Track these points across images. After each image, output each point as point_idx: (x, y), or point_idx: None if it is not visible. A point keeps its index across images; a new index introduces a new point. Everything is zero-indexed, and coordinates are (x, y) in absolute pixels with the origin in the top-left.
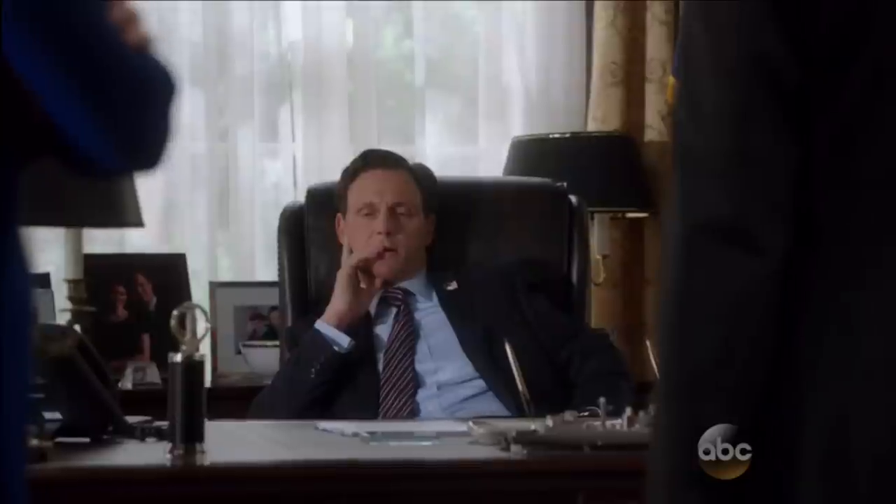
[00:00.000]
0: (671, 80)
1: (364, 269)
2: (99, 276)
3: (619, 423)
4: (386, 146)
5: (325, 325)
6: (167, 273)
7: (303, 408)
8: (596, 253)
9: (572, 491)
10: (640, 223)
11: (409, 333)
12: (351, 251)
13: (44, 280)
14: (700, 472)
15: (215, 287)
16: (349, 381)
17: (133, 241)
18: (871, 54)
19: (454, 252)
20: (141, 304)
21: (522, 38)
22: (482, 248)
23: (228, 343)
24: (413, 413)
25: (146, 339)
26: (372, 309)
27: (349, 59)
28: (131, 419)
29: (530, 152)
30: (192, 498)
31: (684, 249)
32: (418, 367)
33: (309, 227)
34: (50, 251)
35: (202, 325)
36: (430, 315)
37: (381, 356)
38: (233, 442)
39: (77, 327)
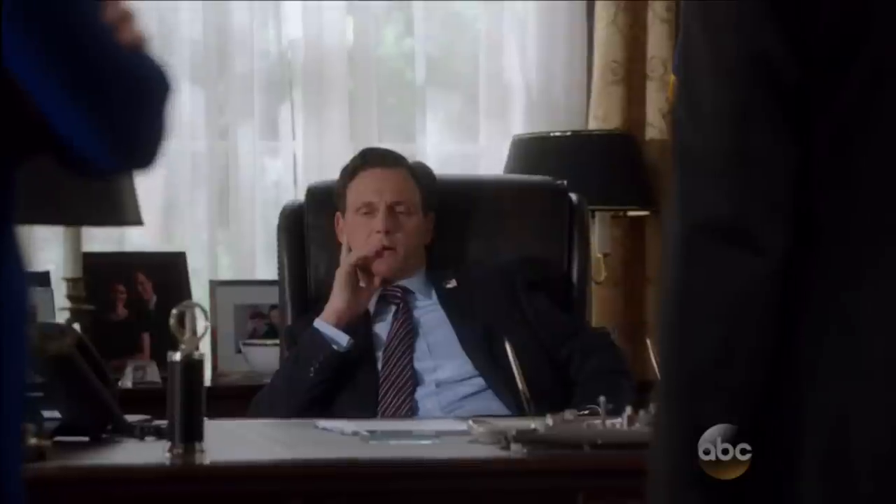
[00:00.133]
0: (672, 77)
1: (363, 267)
2: (98, 274)
3: (620, 422)
4: (386, 144)
5: (323, 324)
6: (167, 271)
7: (302, 406)
8: (597, 251)
9: (572, 490)
10: (640, 221)
11: (409, 331)
12: (350, 250)
13: (43, 278)
14: (700, 472)
15: (215, 285)
16: (348, 379)
17: (133, 239)
18: (870, 54)
19: (454, 250)
20: (141, 302)
21: (523, 36)
22: (482, 246)
23: (228, 342)
24: (412, 411)
25: (146, 337)
26: (371, 307)
27: (349, 57)
28: (131, 418)
29: (531, 150)
30: (191, 497)
31: (684, 249)
32: (417, 364)
33: (309, 225)
34: (49, 249)
35: (202, 324)
36: (430, 313)
37: (380, 354)
38: (232, 441)
39: (76, 326)
